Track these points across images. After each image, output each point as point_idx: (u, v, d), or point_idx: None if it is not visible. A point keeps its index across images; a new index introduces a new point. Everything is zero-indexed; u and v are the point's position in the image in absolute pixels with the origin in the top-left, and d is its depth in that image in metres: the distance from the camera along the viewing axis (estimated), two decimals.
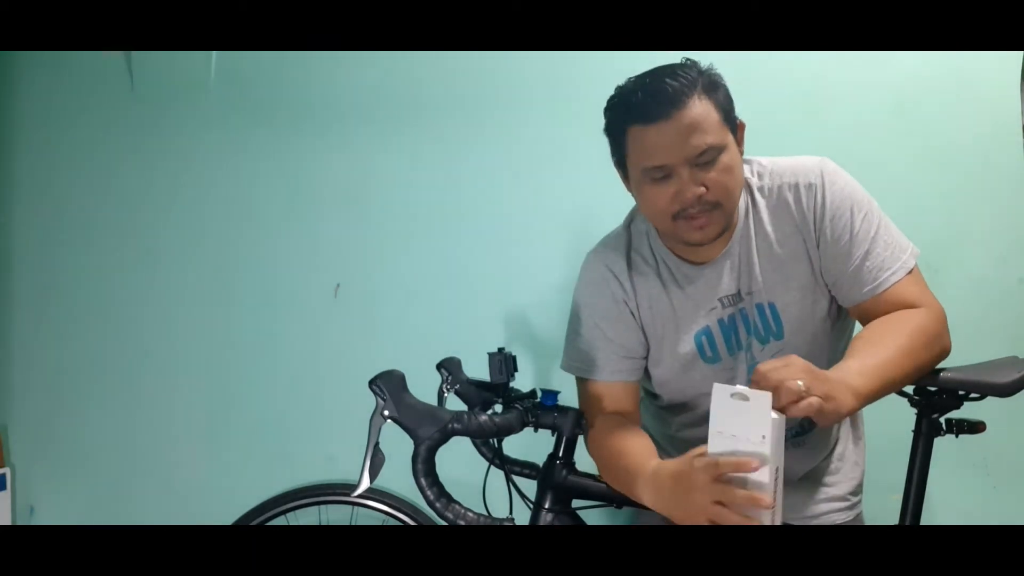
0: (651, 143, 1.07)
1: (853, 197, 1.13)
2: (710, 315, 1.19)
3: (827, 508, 1.28)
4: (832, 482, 1.28)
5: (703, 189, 1.06)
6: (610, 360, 1.22)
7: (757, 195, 1.17)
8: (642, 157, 1.09)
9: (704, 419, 1.26)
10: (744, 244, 1.17)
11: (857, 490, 1.31)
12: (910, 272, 1.12)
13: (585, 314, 1.25)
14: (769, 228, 1.16)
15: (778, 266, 1.16)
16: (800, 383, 0.89)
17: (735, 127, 1.11)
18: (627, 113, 1.09)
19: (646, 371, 1.27)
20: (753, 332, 1.19)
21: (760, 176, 1.18)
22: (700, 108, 1.05)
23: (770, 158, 1.19)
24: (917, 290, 1.12)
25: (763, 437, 0.88)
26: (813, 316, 1.17)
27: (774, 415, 0.88)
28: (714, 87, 1.08)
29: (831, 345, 1.21)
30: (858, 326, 1.19)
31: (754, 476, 0.88)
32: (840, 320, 1.21)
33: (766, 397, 0.88)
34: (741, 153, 1.14)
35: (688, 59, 1.11)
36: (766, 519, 0.89)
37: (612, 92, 1.14)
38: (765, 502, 0.87)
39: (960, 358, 1.12)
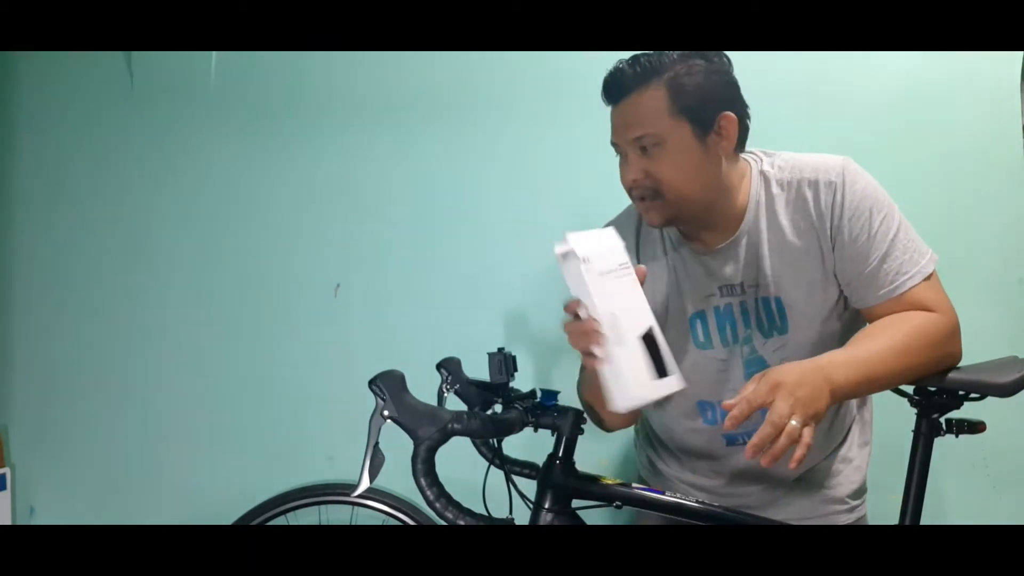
0: (612, 121, 1.16)
1: (874, 198, 1.12)
2: (707, 301, 1.21)
3: (826, 511, 1.27)
4: (832, 485, 1.28)
5: (641, 175, 1.13)
6: None
7: (775, 187, 1.17)
8: (611, 132, 1.17)
9: (693, 413, 1.26)
10: (754, 235, 1.17)
11: (857, 493, 1.30)
12: (927, 277, 1.11)
13: None
14: (784, 221, 1.16)
15: (789, 260, 1.16)
16: (795, 421, 0.90)
17: (705, 119, 1.10)
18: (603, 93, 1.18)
19: None
20: (756, 325, 1.19)
21: (780, 168, 1.18)
22: (648, 97, 1.11)
23: (792, 153, 1.20)
24: (933, 295, 1.11)
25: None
26: (820, 313, 1.17)
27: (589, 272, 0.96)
28: (682, 77, 1.10)
29: (837, 342, 1.20)
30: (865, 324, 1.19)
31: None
32: (847, 318, 1.20)
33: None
34: (724, 147, 1.13)
35: (706, 54, 1.13)
36: (606, 352, 0.95)
37: None
38: (588, 326, 0.95)
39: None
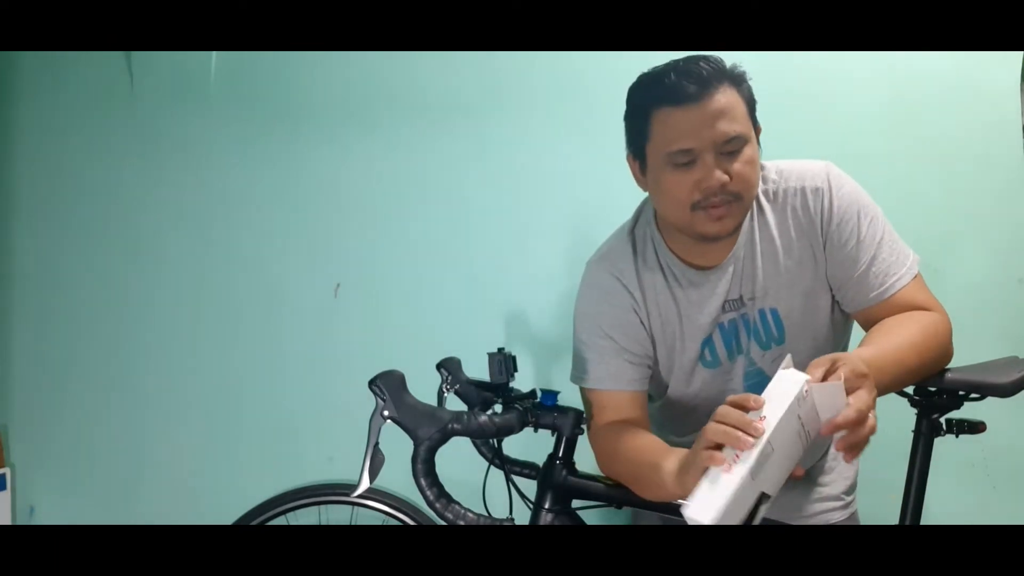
0: (679, 126, 1.05)
1: (859, 202, 1.12)
2: (713, 321, 1.18)
3: (821, 508, 1.28)
4: (827, 481, 1.28)
5: (727, 178, 1.05)
6: (624, 370, 1.19)
7: (762, 198, 1.16)
8: (667, 141, 1.07)
9: (699, 425, 1.26)
10: (748, 248, 1.16)
11: (851, 489, 1.31)
12: (914, 278, 1.12)
13: (593, 324, 1.21)
14: (775, 232, 1.15)
15: (783, 271, 1.15)
16: (872, 415, 0.87)
17: (756, 126, 1.11)
18: (656, 95, 1.07)
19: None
20: (754, 336, 1.18)
21: (764, 180, 1.16)
22: (729, 96, 1.05)
23: (773, 161, 1.18)
24: (923, 296, 1.12)
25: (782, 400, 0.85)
26: (816, 320, 1.17)
27: (796, 390, 0.85)
28: (740, 80, 1.08)
29: (832, 347, 1.20)
30: (856, 326, 1.20)
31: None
32: (841, 322, 1.20)
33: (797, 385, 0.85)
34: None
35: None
36: (741, 468, 0.82)
37: (614, 92, 1.14)
38: (752, 430, 0.82)
39: (960, 358, 1.12)
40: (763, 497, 0.86)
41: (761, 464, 0.83)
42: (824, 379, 0.89)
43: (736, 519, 0.84)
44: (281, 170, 1.90)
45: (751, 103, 1.09)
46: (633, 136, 1.14)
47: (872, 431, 0.87)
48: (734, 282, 1.16)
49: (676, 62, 1.08)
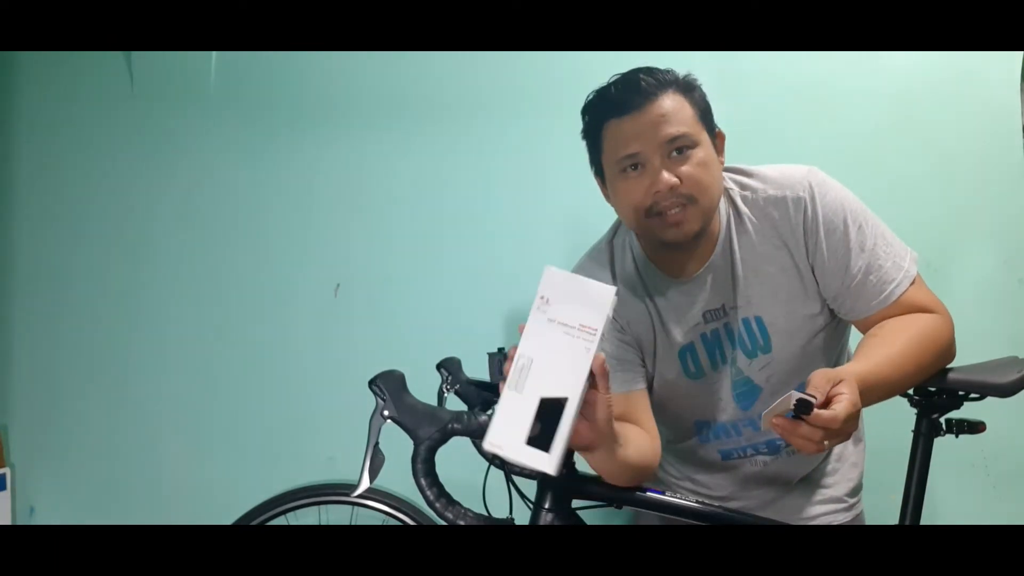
0: (624, 133, 1.08)
1: (845, 208, 1.10)
2: (694, 331, 1.18)
3: (824, 510, 1.27)
4: (829, 484, 1.27)
5: (676, 180, 1.06)
6: (613, 373, 1.16)
7: (741, 205, 1.15)
8: (615, 149, 1.10)
9: (690, 433, 1.26)
10: (726, 257, 1.15)
11: (855, 491, 1.30)
12: (913, 280, 1.10)
13: None
14: (755, 240, 1.13)
15: (765, 279, 1.14)
16: (827, 442, 0.88)
17: (712, 131, 1.12)
18: (603, 109, 1.11)
19: None
20: (739, 346, 1.17)
21: (743, 187, 1.16)
22: (672, 101, 1.07)
23: (755, 167, 1.17)
24: (924, 297, 1.10)
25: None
26: (803, 328, 1.15)
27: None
28: (689, 88, 1.10)
29: (823, 355, 1.19)
30: (853, 331, 1.19)
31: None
32: (832, 329, 1.18)
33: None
34: (721, 163, 1.13)
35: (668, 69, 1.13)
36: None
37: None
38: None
39: (960, 358, 1.12)
40: (553, 403, 0.85)
41: (522, 376, 0.85)
42: (826, 403, 0.87)
43: (523, 432, 0.84)
44: (281, 170, 1.90)
45: (703, 109, 1.11)
46: (592, 153, 1.17)
47: (817, 447, 0.87)
48: (714, 292, 1.16)
49: (620, 76, 1.12)
